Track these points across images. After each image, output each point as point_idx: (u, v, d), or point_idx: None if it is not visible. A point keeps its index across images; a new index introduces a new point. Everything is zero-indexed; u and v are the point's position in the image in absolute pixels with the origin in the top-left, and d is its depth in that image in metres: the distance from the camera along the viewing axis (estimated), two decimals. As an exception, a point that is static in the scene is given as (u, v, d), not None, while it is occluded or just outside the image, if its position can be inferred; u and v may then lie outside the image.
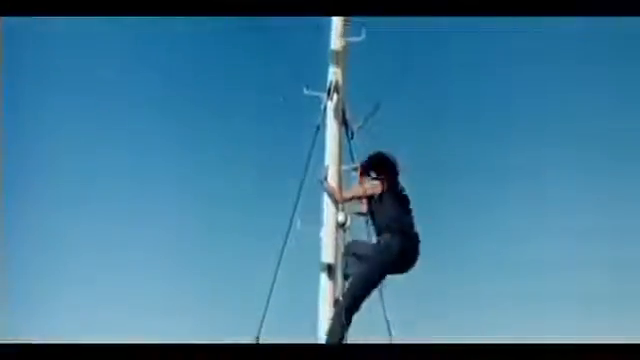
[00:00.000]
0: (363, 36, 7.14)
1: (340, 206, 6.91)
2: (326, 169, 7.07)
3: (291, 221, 6.95)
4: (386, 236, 6.68)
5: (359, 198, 6.98)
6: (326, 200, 7.04)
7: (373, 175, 6.98)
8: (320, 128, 7.14)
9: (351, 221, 6.95)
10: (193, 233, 14.90)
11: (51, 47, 14.53)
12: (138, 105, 16.08)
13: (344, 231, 6.86)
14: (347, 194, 6.99)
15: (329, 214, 7.01)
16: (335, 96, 7.12)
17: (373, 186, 6.87)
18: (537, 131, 15.70)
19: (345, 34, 7.26)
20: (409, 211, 6.88)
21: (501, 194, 15.56)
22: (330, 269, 6.83)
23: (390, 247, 6.63)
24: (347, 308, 6.61)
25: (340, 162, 7.12)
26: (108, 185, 15.25)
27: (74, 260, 13.99)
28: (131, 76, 15.96)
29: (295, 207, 6.96)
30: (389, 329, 7.02)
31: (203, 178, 15.69)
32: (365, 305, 6.76)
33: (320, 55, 7.32)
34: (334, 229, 6.97)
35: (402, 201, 6.90)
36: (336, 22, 7.32)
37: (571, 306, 13.37)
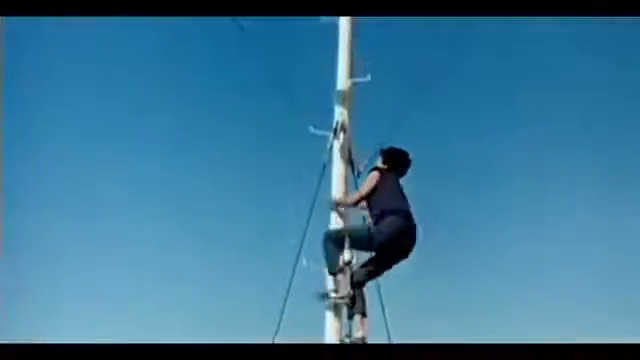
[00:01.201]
0: (369, 77, 7.27)
1: (346, 245, 6.83)
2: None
3: (297, 258, 6.93)
4: (385, 219, 6.76)
5: (361, 199, 7.02)
6: None
7: (379, 161, 7.13)
8: (326, 167, 7.19)
9: (357, 260, 6.96)
10: (192, 248, 14.81)
11: (51, 47, 14.54)
12: (139, 105, 16.08)
13: (350, 270, 6.81)
14: (351, 200, 7.07)
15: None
16: (341, 135, 7.21)
17: (370, 178, 6.98)
18: (537, 140, 15.74)
19: (352, 75, 7.37)
20: (405, 200, 6.96)
21: (502, 204, 15.58)
22: (336, 307, 6.84)
23: (391, 224, 6.71)
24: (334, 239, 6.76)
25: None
26: (109, 185, 15.26)
27: (74, 259, 14.01)
28: (132, 76, 15.96)
29: (301, 244, 6.96)
30: (387, 331, 7.04)
31: (206, 201, 15.59)
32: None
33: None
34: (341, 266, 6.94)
35: (398, 191, 6.99)
36: (342, 63, 7.43)
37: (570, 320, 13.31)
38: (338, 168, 7.18)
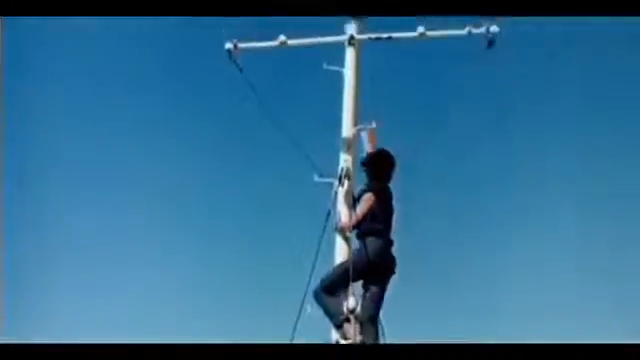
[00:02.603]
0: (374, 124, 7.37)
1: (351, 290, 6.89)
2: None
3: (301, 305, 7.01)
4: (366, 239, 6.94)
5: (359, 224, 7.08)
6: None
7: (365, 174, 7.28)
8: (331, 214, 7.28)
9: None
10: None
11: (51, 47, 14.57)
12: (140, 104, 16.10)
13: (355, 318, 6.84)
14: (354, 221, 7.17)
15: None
16: (346, 182, 7.32)
17: (363, 202, 7.12)
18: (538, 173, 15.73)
19: (356, 122, 7.53)
20: (384, 218, 7.00)
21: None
22: None
23: (375, 243, 6.89)
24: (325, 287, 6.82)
25: (350, 245, 7.25)
26: (108, 185, 15.29)
27: (74, 259, 14.04)
28: (133, 76, 15.98)
29: (305, 292, 7.02)
30: (383, 335, 7.06)
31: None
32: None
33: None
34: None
35: (382, 209, 7.09)
36: (347, 110, 7.56)
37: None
38: (343, 215, 7.29)
